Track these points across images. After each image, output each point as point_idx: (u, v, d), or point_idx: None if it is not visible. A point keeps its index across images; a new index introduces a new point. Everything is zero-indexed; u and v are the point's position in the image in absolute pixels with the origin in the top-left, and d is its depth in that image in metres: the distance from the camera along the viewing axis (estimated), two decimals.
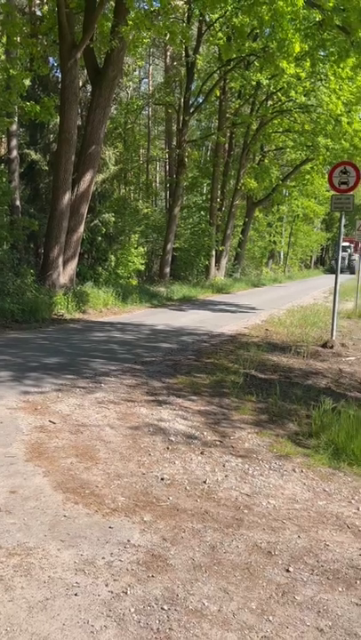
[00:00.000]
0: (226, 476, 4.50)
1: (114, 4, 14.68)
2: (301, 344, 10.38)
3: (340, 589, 3.05)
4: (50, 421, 5.52)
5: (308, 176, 30.73)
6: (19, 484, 4.10)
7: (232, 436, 5.42)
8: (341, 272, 40.32)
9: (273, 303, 18.82)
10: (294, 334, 11.63)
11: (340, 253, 19.43)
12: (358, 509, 4.04)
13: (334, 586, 3.08)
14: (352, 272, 44.47)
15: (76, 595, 2.85)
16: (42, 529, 3.48)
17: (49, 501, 3.85)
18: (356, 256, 49.15)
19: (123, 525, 3.59)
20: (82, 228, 15.40)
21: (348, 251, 46.70)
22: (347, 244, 46.56)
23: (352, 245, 47.27)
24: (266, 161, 30.55)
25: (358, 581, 3.13)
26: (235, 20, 17.93)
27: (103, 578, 3.01)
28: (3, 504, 3.77)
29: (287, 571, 3.20)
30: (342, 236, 42.19)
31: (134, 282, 21.43)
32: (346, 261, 46.89)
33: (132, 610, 2.76)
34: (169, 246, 23.95)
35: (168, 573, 3.09)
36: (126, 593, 2.89)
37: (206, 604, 2.85)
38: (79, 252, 15.66)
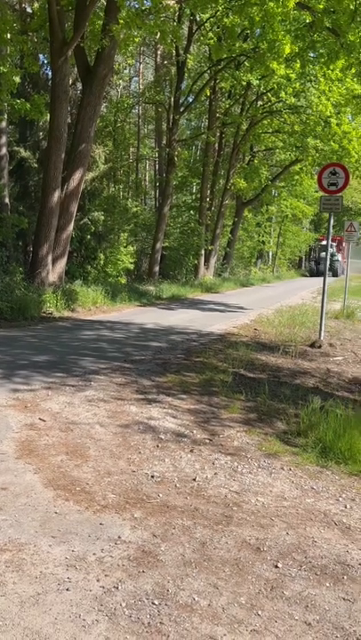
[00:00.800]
0: (215, 473, 4.54)
1: (105, 3, 14.68)
2: (290, 344, 10.46)
3: (327, 585, 3.10)
4: (40, 419, 5.53)
5: (297, 177, 30.87)
6: (9, 481, 4.11)
7: (221, 435, 5.46)
8: (321, 274, 35.84)
9: (262, 303, 18.91)
10: (283, 334, 11.71)
11: (323, 254, 19.39)
12: (345, 507, 4.10)
13: (322, 581, 3.13)
14: (335, 274, 42.22)
15: (67, 590, 2.88)
16: (33, 525, 3.50)
17: (40, 498, 3.87)
18: (338, 256, 45.53)
19: (113, 522, 3.62)
20: (71, 227, 15.39)
21: (331, 250, 46.42)
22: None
23: (334, 245, 45.90)
24: (255, 161, 30.66)
25: (345, 577, 3.19)
26: (225, 20, 18.00)
27: (94, 573, 3.04)
28: None
29: (276, 566, 3.25)
30: (326, 236, 37.84)
31: (123, 280, 21.45)
32: (327, 262, 49.29)
33: (124, 604, 2.80)
34: (158, 245, 23.98)
35: (158, 569, 3.13)
36: (117, 588, 2.93)
37: (196, 598, 2.89)
38: (68, 250, 15.65)
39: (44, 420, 5.50)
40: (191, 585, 3.01)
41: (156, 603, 2.83)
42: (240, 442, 5.32)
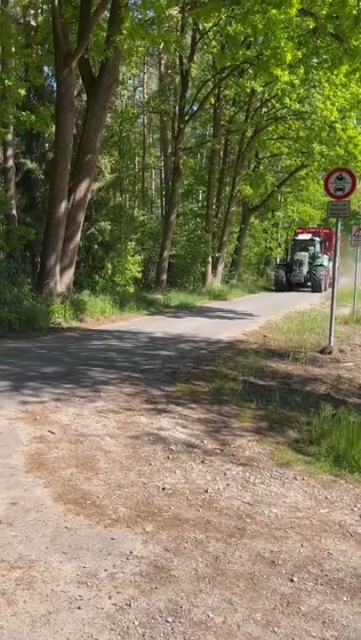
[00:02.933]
0: (227, 484, 4.48)
1: (108, 14, 14.74)
2: (299, 350, 10.37)
3: (344, 599, 3.03)
4: (49, 431, 5.49)
5: (303, 182, 30.83)
6: (19, 495, 4.07)
7: (232, 444, 5.40)
8: (296, 287, 30.92)
9: (270, 309, 18.83)
10: (292, 340, 11.63)
11: (300, 255, 18.16)
12: None
13: (339, 595, 3.06)
14: (316, 288, 29.48)
15: (79, 608, 2.82)
16: (43, 541, 3.46)
17: (50, 513, 3.82)
18: (324, 259, 30.67)
19: (125, 536, 3.57)
20: (78, 237, 15.41)
21: (311, 250, 31.29)
22: (307, 236, 32.93)
23: (317, 241, 32.06)
24: (261, 168, 30.66)
25: None
26: (228, 28, 18.00)
27: (106, 590, 2.99)
28: (3, 516, 3.75)
29: (291, 580, 3.18)
30: (306, 228, 33.24)
31: (131, 289, 21.43)
32: (303, 268, 30.44)
33: (137, 623, 2.74)
34: (165, 253, 23.97)
35: (172, 585, 3.07)
36: (130, 605, 2.87)
37: (211, 615, 2.83)
38: (76, 260, 15.67)
39: (54, 433, 5.45)
40: (205, 601, 2.94)
41: (170, 620, 2.77)
42: (252, 451, 5.26)
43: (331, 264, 32.03)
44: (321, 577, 3.23)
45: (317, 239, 32.14)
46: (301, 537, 3.69)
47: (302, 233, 34.54)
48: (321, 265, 30.39)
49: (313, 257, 30.78)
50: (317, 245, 31.71)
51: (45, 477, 4.41)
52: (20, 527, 3.61)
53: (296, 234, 35.94)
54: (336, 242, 11.83)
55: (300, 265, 30.26)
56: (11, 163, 17.07)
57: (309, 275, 30.15)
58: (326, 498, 4.34)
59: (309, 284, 30.27)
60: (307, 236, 32.81)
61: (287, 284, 30.42)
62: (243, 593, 3.04)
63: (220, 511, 4.01)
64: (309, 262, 30.55)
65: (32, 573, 3.11)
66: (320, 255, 31.19)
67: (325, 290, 28.72)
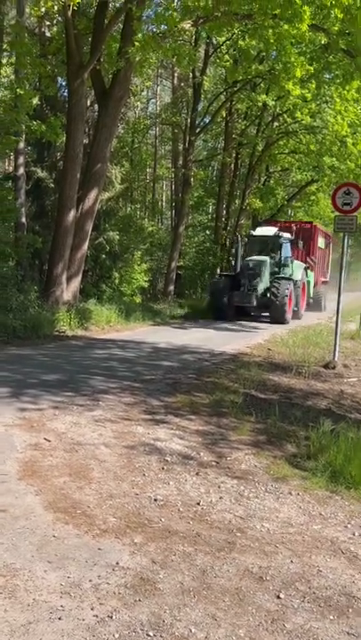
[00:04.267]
0: (220, 497, 4.43)
1: (122, 26, 14.87)
2: (303, 364, 10.30)
3: (331, 617, 2.97)
4: (45, 439, 5.46)
5: (313, 197, 30.81)
6: (9, 502, 4.04)
7: (229, 457, 5.35)
8: (254, 311, 20.09)
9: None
10: (296, 354, 11.56)
11: (253, 260, 17.96)
12: (354, 534, 3.97)
13: (326, 614, 3.00)
14: (276, 315, 18.30)
15: (59, 619, 2.78)
16: (30, 549, 3.42)
17: (39, 521, 3.79)
18: (297, 268, 20.66)
19: (112, 547, 3.53)
20: (86, 246, 15.46)
21: (276, 254, 19.91)
22: (270, 231, 20.90)
23: (285, 240, 20.19)
24: (271, 181, 30.69)
25: (350, 610, 3.05)
26: (241, 42, 18.16)
27: (89, 601, 2.95)
28: None
29: (278, 597, 3.13)
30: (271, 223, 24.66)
31: (138, 299, 21.44)
32: (258, 283, 18.69)
33: (117, 635, 2.69)
34: (173, 264, 24.01)
35: (156, 598, 3.03)
36: (112, 617, 2.83)
37: (193, 630, 2.78)
38: (83, 269, 15.71)
39: (49, 441, 5.43)
40: (189, 615, 2.90)
41: (151, 634, 2.72)
42: (248, 465, 5.21)
43: (313, 276, 23.40)
44: (309, 594, 3.17)
45: (286, 237, 20.39)
46: (292, 553, 3.64)
47: (264, 226, 23.03)
48: (288, 278, 19.03)
49: (278, 264, 19.61)
50: (286, 247, 20.10)
51: (37, 485, 4.38)
52: (8, 535, 3.58)
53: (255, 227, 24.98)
54: (343, 257, 11.77)
55: (251, 277, 18.46)
56: (21, 171, 17.15)
57: (268, 293, 18.47)
58: (320, 514, 4.29)
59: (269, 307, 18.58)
60: (268, 231, 20.85)
61: (231, 308, 19.00)
62: (228, 608, 2.99)
63: (211, 524, 3.97)
64: (272, 272, 19.32)
65: (15, 582, 3.08)
66: (290, 262, 19.98)
67: (300, 317, 20.16)
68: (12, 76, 17.11)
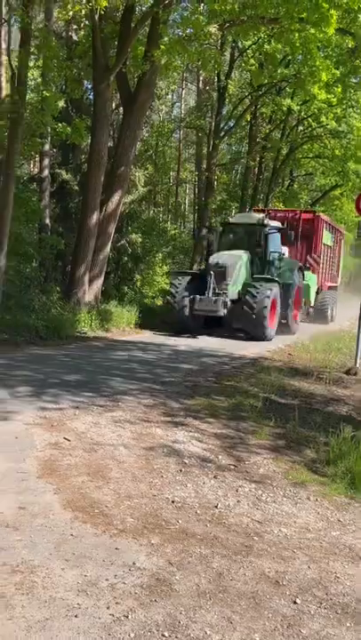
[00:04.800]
0: (238, 501, 4.42)
1: (148, 30, 14.95)
2: (324, 370, 10.23)
3: (348, 624, 2.94)
4: (65, 438, 5.50)
5: (337, 201, 30.62)
6: (29, 500, 4.08)
7: (247, 461, 5.34)
8: (231, 324, 14.33)
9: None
10: (317, 360, 11.48)
11: (221, 258, 13.99)
12: None
13: (342, 620, 2.98)
14: (253, 329, 14.18)
15: (76, 616, 2.80)
16: (48, 547, 3.45)
17: (57, 519, 3.82)
18: (288, 267, 16.24)
19: (129, 547, 3.54)
20: (108, 248, 15.55)
21: (259, 248, 15.63)
22: (252, 217, 16.96)
23: (272, 230, 15.94)
24: (295, 185, 30.57)
25: None
26: (267, 46, 18.12)
27: (105, 600, 2.96)
28: (11, 520, 3.76)
29: (294, 602, 3.11)
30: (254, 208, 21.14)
31: (159, 302, 21.47)
32: (227, 285, 14.32)
33: (132, 635, 2.70)
34: (195, 267, 24.01)
35: (172, 599, 3.03)
36: (127, 617, 2.84)
37: (208, 632, 2.78)
38: (105, 271, 15.79)
39: (69, 440, 5.46)
40: (204, 617, 2.90)
41: (166, 635, 2.73)
42: (266, 469, 5.19)
43: (315, 279, 18.75)
44: (326, 600, 3.15)
45: (274, 225, 16.08)
46: (309, 558, 3.61)
47: (246, 213, 19.63)
48: (272, 280, 14.73)
49: (263, 261, 15.49)
50: (273, 239, 15.80)
51: (56, 484, 4.41)
52: (26, 532, 3.62)
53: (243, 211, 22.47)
54: None
55: (220, 277, 14.23)
56: (46, 173, 17.34)
57: (243, 300, 14.09)
58: (339, 520, 4.25)
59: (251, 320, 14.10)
60: (250, 218, 16.74)
61: (194, 319, 14.49)
62: (243, 612, 2.98)
63: (229, 527, 3.96)
64: (253, 272, 15.21)
65: (33, 579, 3.11)
66: (278, 258, 15.87)
67: (294, 331, 15.88)
68: (39, 79, 17.29)
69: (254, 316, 13.76)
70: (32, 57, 15.51)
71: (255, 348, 12.70)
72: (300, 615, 2.99)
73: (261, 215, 16.74)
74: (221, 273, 14.23)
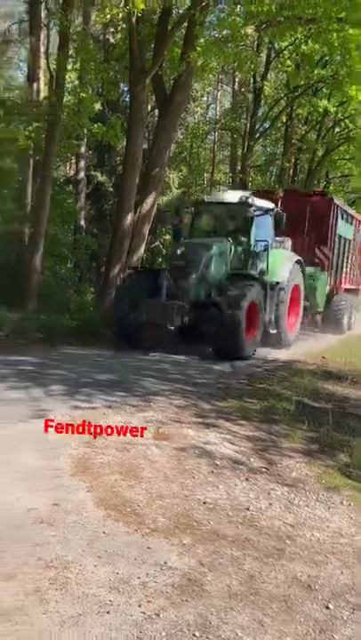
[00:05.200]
0: (270, 504, 4.40)
1: (184, 32, 15.00)
2: (359, 373, 10.10)
3: None
4: (98, 437, 5.55)
5: None
6: (62, 497, 4.13)
7: (280, 464, 5.31)
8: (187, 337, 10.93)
9: None
10: (352, 363, 11.33)
11: (189, 249, 10.39)
12: None
13: None
14: (225, 346, 10.31)
15: (108, 613, 2.83)
16: (81, 544, 3.49)
17: (90, 517, 3.86)
18: (282, 262, 12.51)
19: (161, 547, 3.56)
20: (142, 249, 15.63)
21: (243, 236, 11.83)
22: (234, 196, 12.58)
23: (263, 216, 12.12)
24: (331, 187, 30.26)
25: None
26: (304, 47, 18.01)
27: (137, 598, 2.98)
28: (45, 516, 3.81)
29: (327, 607, 3.08)
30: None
31: None
32: (189, 283, 10.58)
33: (163, 633, 2.72)
34: None
35: (203, 599, 3.04)
36: (159, 615, 2.85)
37: (239, 634, 2.78)
38: None
39: (102, 438, 5.51)
40: (235, 619, 2.89)
41: (197, 635, 2.74)
42: (299, 473, 5.15)
43: (326, 279, 15.29)
44: (359, 606, 3.11)
45: (262, 206, 12.37)
46: (342, 564, 3.58)
47: (229, 191, 16.22)
48: (251, 277, 11.42)
49: (247, 253, 11.90)
50: (263, 223, 12.21)
51: (89, 482, 4.46)
52: (60, 528, 3.67)
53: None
54: None
55: (180, 274, 10.75)
56: (82, 175, 17.58)
57: (212, 304, 10.53)
58: None
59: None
60: (231, 196, 12.80)
61: (141, 326, 11.01)
62: (275, 615, 2.97)
63: (260, 530, 3.94)
64: (233, 267, 11.72)
65: (66, 574, 3.15)
66: (265, 249, 12.10)
67: (287, 344, 12.60)
68: (76, 82, 17.52)
69: (225, 327, 10.04)
70: (70, 60, 15.74)
71: (289, 350, 12.59)
72: (332, 620, 2.97)
73: (246, 194, 12.82)
74: (182, 268, 10.54)
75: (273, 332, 12.07)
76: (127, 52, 14.95)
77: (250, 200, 11.88)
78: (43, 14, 15.54)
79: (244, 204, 11.85)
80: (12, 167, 16.91)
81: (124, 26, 15.55)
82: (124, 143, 15.78)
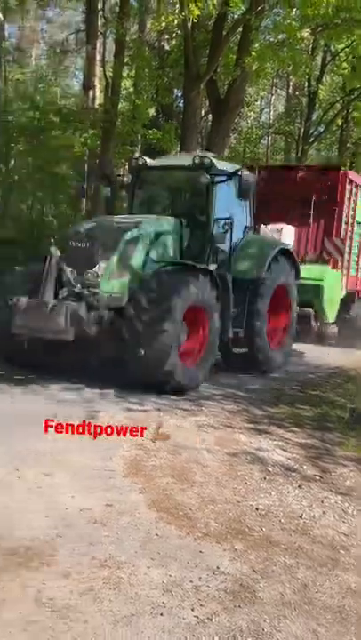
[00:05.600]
0: (324, 512, 4.33)
1: (239, 37, 15.01)
2: None
3: None
4: (150, 439, 5.60)
5: None
6: (115, 498, 4.18)
7: (333, 472, 5.22)
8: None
9: None
10: None
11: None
12: None
13: None
14: (140, 371, 7.07)
15: (161, 615, 2.85)
16: (133, 545, 3.52)
17: (143, 518, 3.89)
18: (260, 248, 9.10)
19: (213, 551, 3.56)
20: None
21: (200, 218, 8.57)
22: (186, 159, 8.93)
23: (226, 183, 8.50)
24: None
25: None
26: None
27: (189, 601, 2.99)
28: (99, 516, 3.86)
29: None
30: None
31: None
32: (104, 274, 7.09)
33: (216, 638, 2.71)
34: None
35: (255, 606, 3.01)
36: (211, 620, 2.85)
37: None
38: None
39: (154, 441, 5.55)
40: (289, 627, 2.86)
41: None
42: (353, 482, 5.05)
43: (339, 278, 11.92)
44: None
45: (225, 171, 8.64)
46: None
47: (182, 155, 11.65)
48: (198, 268, 7.74)
49: (203, 235, 8.60)
50: (223, 194, 8.62)
51: (142, 484, 4.49)
52: (113, 528, 3.71)
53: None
54: None
55: (83, 259, 7.19)
56: None
57: (126, 308, 7.17)
58: None
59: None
60: (183, 160, 9.19)
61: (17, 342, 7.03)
62: (329, 625, 2.92)
63: (314, 539, 3.89)
64: (180, 252, 8.45)
65: (119, 574, 3.18)
66: (227, 229, 8.52)
67: (273, 366, 9.47)
68: (131, 89, 17.77)
69: (142, 345, 6.94)
70: (125, 67, 16.00)
71: (344, 357, 12.35)
72: None
73: (207, 153, 9.51)
74: (84, 253, 7.27)
75: (240, 351, 8.91)
76: (182, 58, 15.09)
77: (206, 161, 8.42)
78: (99, 23, 15.83)
79: (197, 167, 8.40)
80: (67, 173, 17.28)
81: (179, 32, 15.67)
82: (178, 148, 15.89)
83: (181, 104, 18.63)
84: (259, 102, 32.48)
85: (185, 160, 8.95)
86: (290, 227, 11.02)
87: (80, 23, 20.12)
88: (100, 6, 16.14)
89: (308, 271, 10.67)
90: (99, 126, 14.36)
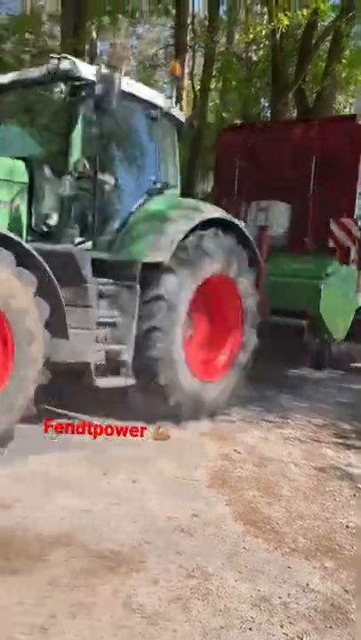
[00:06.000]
0: None
1: (328, 45, 14.79)
2: None
3: None
4: (235, 450, 5.56)
5: None
6: (200, 508, 4.17)
7: None
8: None
9: None
10: None
11: None
12: None
13: None
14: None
15: (250, 629, 2.80)
16: (220, 557, 3.50)
17: (229, 531, 3.86)
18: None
19: (302, 568, 3.47)
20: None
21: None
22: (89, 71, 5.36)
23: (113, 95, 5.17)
24: None
25: None
26: None
27: (278, 618, 2.92)
28: (185, 526, 3.87)
29: None
30: None
31: None
32: None
33: None
34: None
35: (348, 628, 2.91)
36: (302, 639, 2.77)
37: None
38: None
39: (239, 452, 5.51)
40: None
41: None
42: None
43: (355, 276, 8.48)
44: None
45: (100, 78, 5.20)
46: None
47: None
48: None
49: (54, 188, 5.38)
50: (150, 128, 6.18)
51: (228, 495, 4.46)
52: (200, 539, 3.70)
53: None
54: None
55: None
56: None
57: None
58: None
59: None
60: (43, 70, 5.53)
61: None
62: None
63: None
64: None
65: (207, 586, 3.16)
66: (149, 195, 6.07)
67: (182, 407, 6.05)
68: (217, 101, 17.89)
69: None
70: (212, 79, 16.14)
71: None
72: None
73: (74, 59, 5.64)
74: None
75: (128, 382, 5.72)
76: (269, 67, 15.04)
77: (63, 65, 5.42)
78: (188, 37, 16.07)
79: (53, 79, 5.47)
80: None
81: (267, 43, 15.64)
82: None
83: (268, 114, 18.56)
84: (348, 109, 31.83)
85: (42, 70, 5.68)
86: (282, 204, 8.49)
87: (169, 38, 20.50)
88: (188, 21, 16.39)
89: (300, 265, 8.04)
90: (187, 140, 14.54)
